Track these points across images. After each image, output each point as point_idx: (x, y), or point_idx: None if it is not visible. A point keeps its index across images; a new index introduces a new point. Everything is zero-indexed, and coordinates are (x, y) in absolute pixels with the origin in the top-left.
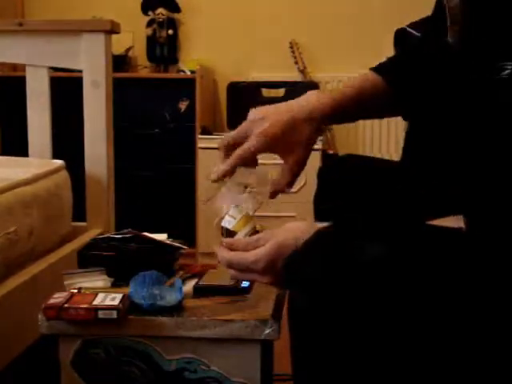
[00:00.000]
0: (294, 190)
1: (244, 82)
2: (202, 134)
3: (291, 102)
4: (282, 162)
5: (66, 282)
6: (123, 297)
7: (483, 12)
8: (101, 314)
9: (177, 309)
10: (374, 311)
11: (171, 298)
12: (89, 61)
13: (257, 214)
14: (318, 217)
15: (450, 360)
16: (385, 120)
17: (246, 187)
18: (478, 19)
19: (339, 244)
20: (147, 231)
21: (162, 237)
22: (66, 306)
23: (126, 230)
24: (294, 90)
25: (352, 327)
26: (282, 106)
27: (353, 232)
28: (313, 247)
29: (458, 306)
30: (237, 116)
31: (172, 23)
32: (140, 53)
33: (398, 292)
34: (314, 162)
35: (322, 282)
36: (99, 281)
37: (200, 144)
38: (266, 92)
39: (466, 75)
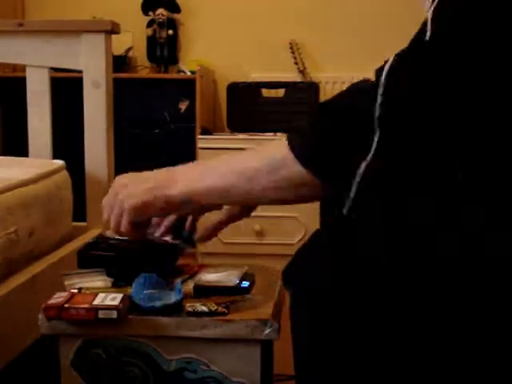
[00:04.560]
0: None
1: (244, 82)
2: (202, 134)
3: None
4: None
5: (65, 283)
6: (123, 297)
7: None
8: (101, 314)
9: (177, 309)
10: (384, 315)
11: (171, 298)
12: (89, 61)
13: (257, 214)
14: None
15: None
16: None
17: None
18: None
19: (339, 245)
20: None
21: None
22: (66, 305)
23: None
24: (294, 90)
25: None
26: None
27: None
28: (312, 250)
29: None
30: (237, 116)
31: (172, 23)
32: (140, 53)
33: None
34: None
35: (322, 283)
36: (99, 281)
37: (200, 144)
38: (265, 92)
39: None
